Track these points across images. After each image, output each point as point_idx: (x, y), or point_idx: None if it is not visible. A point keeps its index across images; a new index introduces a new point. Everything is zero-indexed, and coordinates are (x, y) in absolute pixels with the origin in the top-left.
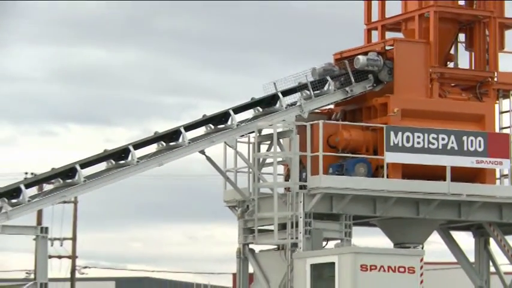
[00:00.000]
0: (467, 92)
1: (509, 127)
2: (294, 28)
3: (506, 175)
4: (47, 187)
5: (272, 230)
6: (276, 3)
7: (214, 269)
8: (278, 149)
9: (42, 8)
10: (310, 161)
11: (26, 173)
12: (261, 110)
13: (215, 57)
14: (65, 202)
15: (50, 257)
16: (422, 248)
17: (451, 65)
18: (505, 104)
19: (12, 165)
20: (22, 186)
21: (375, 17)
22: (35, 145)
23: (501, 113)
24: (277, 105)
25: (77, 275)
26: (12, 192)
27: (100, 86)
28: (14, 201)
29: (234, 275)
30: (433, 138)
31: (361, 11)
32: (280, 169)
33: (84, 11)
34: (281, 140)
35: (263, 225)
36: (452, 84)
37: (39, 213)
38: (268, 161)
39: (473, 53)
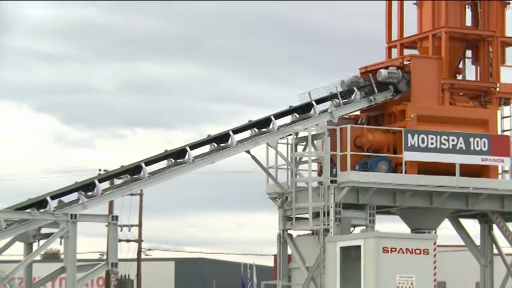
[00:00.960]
0: (473, 100)
1: (509, 130)
2: (326, 46)
3: (507, 171)
4: (117, 182)
5: (307, 218)
6: (311, 27)
7: (258, 251)
8: (312, 149)
9: (113, 27)
10: (339, 159)
11: (100, 170)
12: (297, 116)
13: (259, 71)
14: (132, 194)
15: (120, 240)
16: (435, 232)
17: (459, 77)
18: (506, 110)
19: (89, 163)
20: (96, 181)
21: (395, 36)
22: (108, 146)
23: (503, 118)
24: (311, 111)
25: (142, 256)
26: (88, 186)
27: (161, 96)
28: (89, 193)
29: (275, 256)
30: (444, 139)
31: (383, 32)
32: (314, 166)
33: (149, 32)
34: (315, 141)
35: (300, 214)
36: (461, 94)
37: (111, 204)
38: (304, 159)
39: (478, 67)
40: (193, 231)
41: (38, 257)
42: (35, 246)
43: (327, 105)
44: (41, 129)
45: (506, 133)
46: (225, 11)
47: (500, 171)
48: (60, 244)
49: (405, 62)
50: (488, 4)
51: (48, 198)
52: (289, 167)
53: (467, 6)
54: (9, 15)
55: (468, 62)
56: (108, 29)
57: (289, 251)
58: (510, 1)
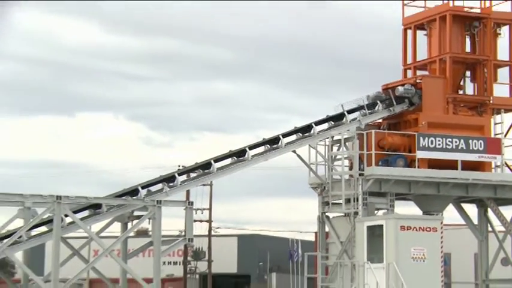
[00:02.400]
0: (472, 110)
1: (501, 133)
2: (355, 69)
3: (499, 166)
4: (192, 175)
5: (341, 203)
6: (343, 54)
7: (302, 229)
8: (344, 149)
9: (189, 55)
10: (366, 157)
11: (179, 166)
12: (333, 123)
13: (302, 88)
14: (204, 185)
15: (194, 221)
16: (442, 214)
17: (461, 92)
18: (498, 118)
19: (170, 161)
20: (176, 175)
21: (409, 60)
22: (184, 147)
23: (495, 124)
24: (344, 119)
25: (212, 233)
26: (170, 179)
27: (226, 107)
28: (171, 184)
29: (316, 233)
30: (449, 141)
31: (400, 57)
32: (346, 162)
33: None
34: (346, 143)
35: (335, 200)
36: (462, 105)
37: (187, 192)
38: (338, 157)
39: (476, 84)
40: (252, 213)
41: (131, 234)
42: (129, 225)
43: (356, 114)
44: (133, 134)
45: (498, 136)
46: (276, 40)
47: (493, 166)
48: (149, 223)
49: (418, 81)
50: (483, 34)
51: (139, 188)
52: (326, 163)
53: (466, 36)
54: (111, 45)
55: (467, 80)
56: (185, 57)
57: (326, 229)
58: (500, 32)
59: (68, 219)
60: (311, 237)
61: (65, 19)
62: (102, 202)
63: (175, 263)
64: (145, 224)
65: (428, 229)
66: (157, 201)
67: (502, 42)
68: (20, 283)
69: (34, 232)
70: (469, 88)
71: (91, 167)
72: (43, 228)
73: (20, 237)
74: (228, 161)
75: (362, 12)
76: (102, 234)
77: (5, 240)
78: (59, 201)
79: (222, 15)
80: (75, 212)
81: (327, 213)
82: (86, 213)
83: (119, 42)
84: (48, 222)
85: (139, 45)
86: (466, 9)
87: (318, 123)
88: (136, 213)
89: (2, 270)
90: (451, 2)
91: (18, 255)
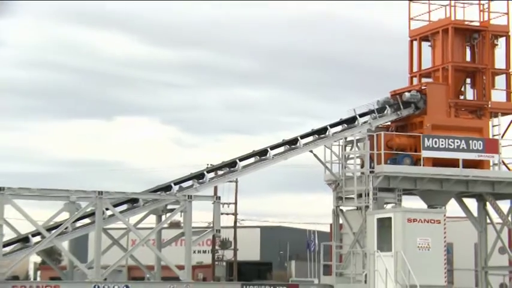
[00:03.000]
0: (472, 113)
1: (498, 135)
2: (366, 76)
3: (496, 164)
4: (219, 172)
5: (353, 198)
6: (355, 63)
7: (318, 221)
8: (356, 149)
9: (217, 65)
10: (376, 156)
11: (207, 164)
12: (346, 125)
13: (318, 94)
14: (230, 181)
15: (221, 214)
16: (445, 208)
17: (462, 97)
18: (495, 120)
19: (199, 160)
20: (205, 172)
21: (415, 68)
22: (212, 148)
23: (493, 126)
24: (356, 122)
25: (237, 225)
26: (199, 176)
27: (249, 111)
28: (200, 181)
29: (331, 224)
30: (451, 141)
31: (407, 65)
32: (358, 161)
33: (242, 67)
34: (358, 144)
35: (348, 195)
36: (463, 109)
37: (215, 188)
38: (351, 156)
39: (475, 90)
40: (273, 207)
41: (165, 225)
42: (163, 217)
43: (367, 118)
44: (166, 136)
45: (495, 137)
46: (294, 51)
47: (491, 164)
48: (180, 216)
49: (423, 87)
50: (482, 45)
51: (172, 184)
52: (340, 162)
53: (467, 47)
54: (145, 55)
55: (468, 86)
56: (212, 66)
57: (340, 221)
58: (498, 43)
59: (109, 212)
60: (326, 229)
61: (105, 32)
62: (139, 197)
63: (204, 252)
64: (178, 217)
65: (432, 221)
66: (188, 196)
67: (499, 52)
68: (65, 269)
69: (78, 224)
70: (469, 94)
71: (128, 166)
72: (86, 221)
73: (66, 228)
74: (252, 160)
75: (372, 25)
76: (139, 225)
77: (53, 231)
78: (100, 196)
79: (246, 29)
80: (115, 206)
81: (340, 207)
82: (124, 207)
83: (152, 53)
84: (91, 215)
85: (171, 55)
86: (466, 22)
87: (332, 125)
88: (169, 206)
89: (50, 257)
90: (452, 16)
91: (64, 245)
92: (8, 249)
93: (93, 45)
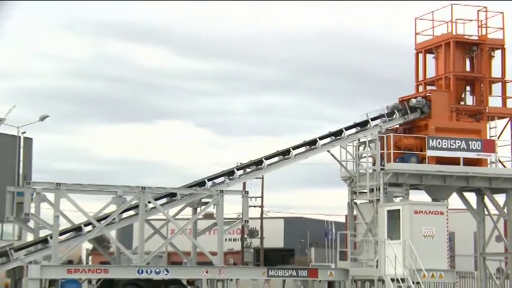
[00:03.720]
0: (471, 117)
1: (494, 136)
2: (378, 85)
3: (494, 162)
4: (247, 170)
5: (366, 192)
6: (367, 72)
7: (335, 213)
8: (369, 149)
9: (244, 75)
10: (386, 155)
11: (237, 163)
12: (359, 128)
13: (335, 101)
14: (257, 178)
15: (250, 206)
16: (447, 201)
17: (462, 103)
18: (492, 123)
19: (230, 159)
20: (235, 170)
21: (421, 77)
22: (241, 148)
23: (490, 128)
24: (368, 125)
25: (263, 216)
26: (230, 173)
27: (273, 116)
28: (231, 177)
29: (346, 215)
30: (453, 142)
31: (413, 75)
32: (370, 160)
33: (267, 76)
34: (370, 144)
35: (361, 190)
36: (463, 113)
37: (244, 184)
38: (364, 155)
39: (474, 96)
40: (295, 200)
41: (200, 217)
42: (198, 210)
43: (378, 121)
44: (200, 138)
45: (492, 138)
46: (312, 62)
47: (489, 162)
48: (213, 208)
49: (427, 94)
50: (480, 56)
51: (206, 180)
52: (354, 161)
53: (467, 58)
54: (181, 66)
55: (468, 93)
56: (240, 75)
57: (354, 213)
58: (494, 55)
59: (150, 205)
60: (342, 220)
61: (146, 47)
62: (177, 191)
63: (234, 240)
64: (211, 209)
65: (436, 212)
66: (220, 190)
67: (496, 62)
68: (113, 255)
69: (124, 215)
70: (469, 100)
71: (167, 164)
72: (131, 212)
73: (114, 219)
74: (276, 158)
75: (383, 40)
76: (177, 217)
77: (102, 222)
78: (143, 190)
79: (270, 43)
80: (156, 200)
81: (354, 200)
82: (164, 200)
83: (186, 65)
84: (135, 207)
85: (204, 66)
86: (466, 36)
87: (347, 128)
88: (203, 200)
89: (100, 245)
90: (454, 31)
91: (112, 233)
92: (63, 237)
93: (136, 58)
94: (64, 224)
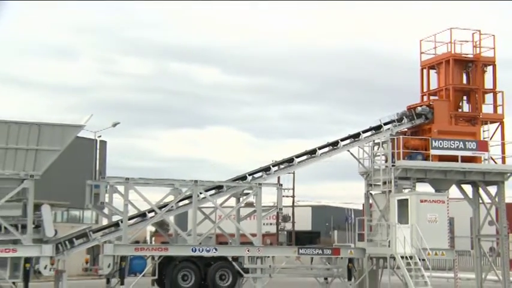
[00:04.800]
0: (468, 122)
1: (487, 137)
2: (389, 95)
3: (487, 159)
4: (281, 166)
5: (380, 184)
6: (381, 85)
7: (354, 201)
8: (382, 149)
9: (275, 87)
10: (396, 154)
11: (272, 160)
12: (374, 131)
13: (354, 108)
14: (289, 173)
15: (283, 196)
16: (448, 192)
17: (460, 110)
18: (485, 127)
19: (266, 157)
20: (271, 166)
21: (425, 89)
22: (275, 148)
23: (483, 131)
24: (381, 129)
25: (295, 204)
26: (267, 169)
27: (303, 121)
28: (267, 172)
29: (363, 204)
30: (452, 143)
31: (418, 87)
32: (383, 158)
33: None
34: (383, 145)
35: (376, 183)
36: (461, 119)
37: (278, 178)
38: (378, 154)
39: (470, 105)
40: (321, 191)
41: (242, 205)
42: (240, 199)
43: (389, 125)
44: (242, 140)
45: (485, 139)
46: (334, 76)
47: (482, 159)
48: (253, 198)
49: (431, 103)
50: (475, 71)
51: (247, 175)
52: (370, 158)
53: (463, 73)
54: (229, 82)
55: (465, 102)
56: (275, 88)
57: (370, 202)
58: (486, 70)
59: (202, 195)
60: (360, 207)
61: (199, 65)
62: (223, 184)
63: (271, 224)
64: (251, 199)
65: (438, 201)
66: (258, 183)
67: (488, 76)
68: (172, 236)
69: (180, 204)
70: (466, 107)
71: (215, 161)
72: (186, 201)
73: (172, 207)
74: (305, 157)
75: (394, 57)
76: (224, 205)
77: (162, 209)
78: (196, 184)
79: (298, 61)
80: (206, 191)
81: (370, 191)
82: (213, 191)
83: (229, 79)
84: (189, 197)
85: (245, 81)
86: (463, 55)
87: (364, 131)
88: (245, 191)
89: (161, 228)
90: (453, 50)
91: (171, 219)
92: (131, 221)
93: (190, 74)
94: (132, 211)
